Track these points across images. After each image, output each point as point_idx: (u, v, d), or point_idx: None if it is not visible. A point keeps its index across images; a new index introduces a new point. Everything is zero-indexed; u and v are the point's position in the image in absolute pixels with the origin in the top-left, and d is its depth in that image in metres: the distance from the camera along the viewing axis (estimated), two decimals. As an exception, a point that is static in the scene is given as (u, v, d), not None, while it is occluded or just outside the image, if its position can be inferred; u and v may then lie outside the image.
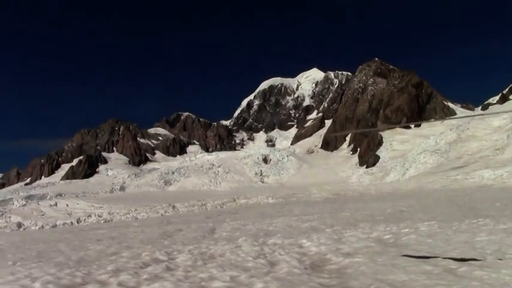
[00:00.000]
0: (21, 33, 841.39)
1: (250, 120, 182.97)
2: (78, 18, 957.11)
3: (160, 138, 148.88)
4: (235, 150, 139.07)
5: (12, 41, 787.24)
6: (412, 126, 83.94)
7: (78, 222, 38.89)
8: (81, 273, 7.04)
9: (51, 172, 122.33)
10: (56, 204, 53.00)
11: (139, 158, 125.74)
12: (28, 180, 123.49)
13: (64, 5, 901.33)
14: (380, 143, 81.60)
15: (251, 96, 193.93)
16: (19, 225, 41.69)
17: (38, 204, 55.93)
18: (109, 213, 42.00)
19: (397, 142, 79.44)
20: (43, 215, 46.91)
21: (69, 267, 7.68)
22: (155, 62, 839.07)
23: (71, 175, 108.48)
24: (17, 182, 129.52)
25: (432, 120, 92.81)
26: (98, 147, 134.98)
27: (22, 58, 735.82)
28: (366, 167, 76.51)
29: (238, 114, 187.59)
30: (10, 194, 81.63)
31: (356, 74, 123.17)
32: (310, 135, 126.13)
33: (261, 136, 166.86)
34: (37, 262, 8.71)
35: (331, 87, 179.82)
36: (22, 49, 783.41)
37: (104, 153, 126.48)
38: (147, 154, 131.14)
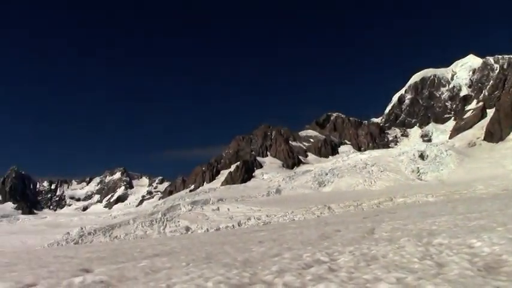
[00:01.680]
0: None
1: (403, 115, 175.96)
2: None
3: (312, 140, 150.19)
4: (389, 147, 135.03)
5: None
6: None
7: (239, 225, 40.82)
8: (247, 273, 7.33)
9: (212, 178, 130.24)
10: (218, 209, 56.24)
11: (292, 160, 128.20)
12: (192, 186, 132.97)
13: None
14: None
15: (402, 91, 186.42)
16: (187, 228, 45.04)
17: (202, 209, 59.84)
18: (267, 216, 43.38)
19: None
20: (207, 219, 50.03)
21: (236, 268, 8.04)
22: (304, 65, 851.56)
23: (230, 180, 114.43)
24: (183, 189, 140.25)
25: None
26: (253, 153, 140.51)
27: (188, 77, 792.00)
28: (538, 158, 69.07)
29: (390, 110, 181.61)
30: (177, 200, 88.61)
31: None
32: (471, 127, 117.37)
33: (415, 131, 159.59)
34: (207, 263, 9.27)
35: (491, 74, 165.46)
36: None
37: (258, 158, 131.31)
38: (300, 156, 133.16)
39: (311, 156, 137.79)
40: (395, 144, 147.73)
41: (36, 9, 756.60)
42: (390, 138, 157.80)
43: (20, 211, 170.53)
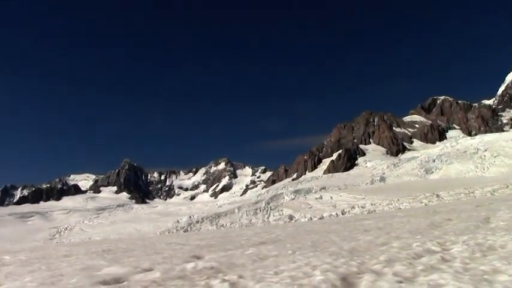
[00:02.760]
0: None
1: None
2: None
3: (417, 125, 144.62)
4: (503, 131, 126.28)
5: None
6: None
7: (342, 214, 40.41)
8: (355, 262, 7.21)
9: (314, 167, 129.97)
10: (321, 197, 56.04)
11: (396, 147, 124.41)
12: (294, 175, 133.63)
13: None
14: None
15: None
16: (290, 217, 45.38)
17: (305, 197, 59.98)
18: (371, 204, 42.53)
19: None
20: (310, 207, 50.05)
21: (343, 257, 7.95)
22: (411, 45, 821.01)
23: (332, 169, 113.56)
24: (285, 178, 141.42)
25: None
26: (355, 140, 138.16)
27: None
28: None
29: (503, 91, 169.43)
30: (280, 189, 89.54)
31: None
32: None
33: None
34: (313, 251, 9.25)
35: None
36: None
37: (361, 146, 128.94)
38: (404, 143, 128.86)
39: (416, 143, 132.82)
40: (511, 128, 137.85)
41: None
42: (504, 121, 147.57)
43: (133, 201, 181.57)
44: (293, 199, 61.08)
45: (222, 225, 48.48)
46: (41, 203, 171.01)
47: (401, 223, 15.78)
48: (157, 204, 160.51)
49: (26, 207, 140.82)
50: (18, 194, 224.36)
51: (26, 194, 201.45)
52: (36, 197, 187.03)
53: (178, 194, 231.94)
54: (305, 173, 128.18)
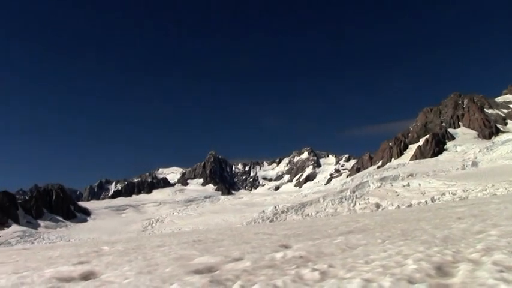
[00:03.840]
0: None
1: None
2: None
3: (511, 105, 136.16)
4: None
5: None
6: None
7: (432, 201, 39.04)
8: (450, 251, 6.91)
9: (400, 153, 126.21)
10: (408, 185, 54.40)
11: (489, 130, 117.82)
12: (379, 163, 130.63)
13: None
14: None
15: None
16: (377, 205, 44.48)
17: (392, 185, 58.47)
18: (463, 191, 40.79)
19: None
20: (398, 195, 48.77)
21: (436, 246, 7.66)
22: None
23: (419, 155, 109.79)
24: (370, 166, 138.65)
25: None
26: (443, 124, 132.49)
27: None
28: None
29: None
30: (365, 177, 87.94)
31: None
32: None
33: None
34: (404, 240, 9.00)
35: None
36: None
37: (450, 130, 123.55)
38: (498, 125, 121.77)
39: (511, 124, 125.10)
40: None
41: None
42: None
43: (219, 192, 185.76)
44: (379, 187, 59.72)
45: (308, 215, 48.40)
46: (133, 196, 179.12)
47: (498, 210, 14.96)
48: (243, 195, 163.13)
49: (120, 201, 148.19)
50: (112, 188, 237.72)
51: (120, 188, 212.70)
52: (128, 190, 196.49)
53: (263, 185, 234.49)
54: (391, 160, 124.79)
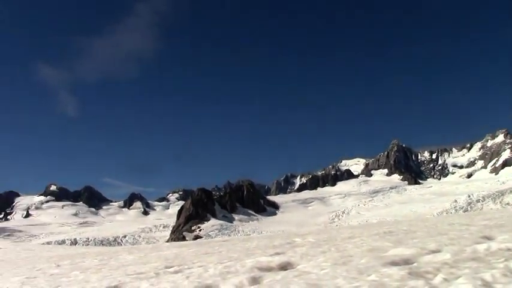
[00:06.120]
0: None
1: None
2: None
3: None
4: None
5: None
6: None
7: None
8: None
9: None
10: None
11: None
12: None
13: None
14: None
15: None
16: None
17: None
18: None
19: None
20: None
21: None
22: None
23: None
24: None
25: None
26: None
27: None
28: None
29: None
30: None
31: None
32: None
33: None
34: None
35: None
36: None
37: None
38: None
39: None
40: None
41: None
42: None
43: (406, 182, 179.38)
44: None
45: (507, 204, 44.31)
46: (318, 189, 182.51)
47: None
48: (431, 184, 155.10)
49: (306, 194, 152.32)
50: (297, 181, 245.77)
51: (305, 181, 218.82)
52: (313, 183, 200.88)
53: (453, 173, 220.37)
54: None
